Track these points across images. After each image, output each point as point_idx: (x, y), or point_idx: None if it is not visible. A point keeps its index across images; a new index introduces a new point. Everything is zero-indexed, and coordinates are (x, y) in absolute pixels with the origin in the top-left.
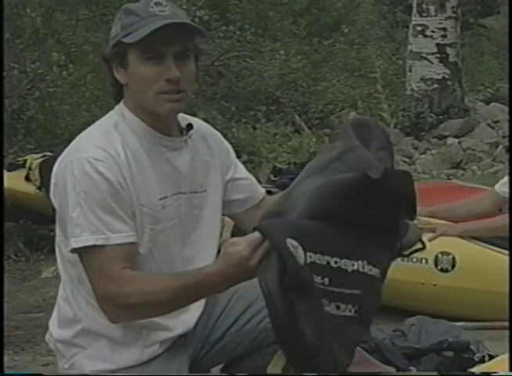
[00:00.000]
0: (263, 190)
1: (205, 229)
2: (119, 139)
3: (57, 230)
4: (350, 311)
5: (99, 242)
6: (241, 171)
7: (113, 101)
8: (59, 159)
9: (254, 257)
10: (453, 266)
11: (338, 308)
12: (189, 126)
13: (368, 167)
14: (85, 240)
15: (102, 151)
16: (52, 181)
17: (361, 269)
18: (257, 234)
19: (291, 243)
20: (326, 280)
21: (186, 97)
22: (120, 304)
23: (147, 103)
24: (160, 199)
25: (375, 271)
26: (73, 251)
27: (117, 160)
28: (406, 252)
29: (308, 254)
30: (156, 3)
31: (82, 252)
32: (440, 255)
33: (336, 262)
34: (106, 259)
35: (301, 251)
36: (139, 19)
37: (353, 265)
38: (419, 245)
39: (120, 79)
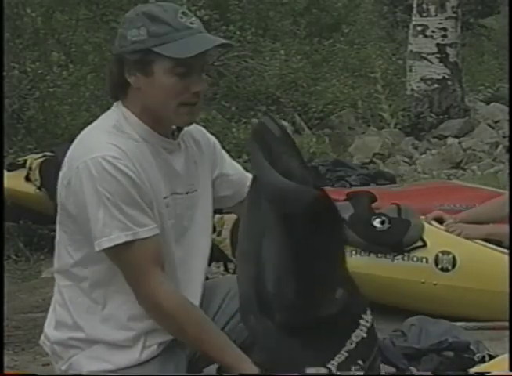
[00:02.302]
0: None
1: (198, 229)
2: (126, 137)
3: (63, 235)
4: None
5: (130, 238)
6: (229, 166)
7: (113, 101)
8: (67, 161)
9: None
10: (454, 266)
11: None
12: (179, 128)
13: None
14: (116, 238)
15: (116, 148)
16: (63, 182)
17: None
18: None
19: None
20: None
21: (200, 108)
22: (157, 313)
23: (166, 111)
24: (164, 198)
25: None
26: (105, 250)
27: (130, 157)
28: (407, 249)
29: None
30: (183, 13)
31: (113, 251)
32: (440, 254)
33: None
34: (141, 256)
35: None
36: (172, 29)
37: None
38: (420, 243)
39: (134, 83)
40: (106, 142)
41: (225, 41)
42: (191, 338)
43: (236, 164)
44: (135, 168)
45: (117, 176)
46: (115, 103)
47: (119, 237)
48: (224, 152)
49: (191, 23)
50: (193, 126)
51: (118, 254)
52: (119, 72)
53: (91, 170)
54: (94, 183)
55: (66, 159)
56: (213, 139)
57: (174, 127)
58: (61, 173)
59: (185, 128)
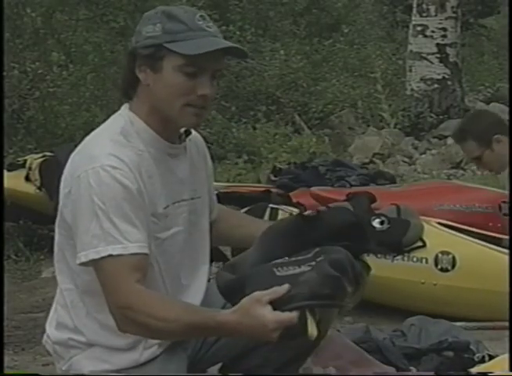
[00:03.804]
0: (215, 213)
1: (201, 235)
2: (129, 147)
3: (62, 239)
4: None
5: (116, 251)
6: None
7: (113, 101)
8: (68, 167)
9: (278, 332)
10: (453, 266)
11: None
12: (187, 131)
13: None
14: (103, 250)
15: (116, 159)
16: (64, 190)
17: None
18: (294, 318)
19: None
20: None
21: (207, 113)
22: (128, 317)
23: (171, 111)
24: (164, 208)
25: None
26: (90, 262)
27: (131, 168)
28: (407, 249)
29: None
30: (201, 16)
31: (98, 262)
32: (440, 255)
33: None
34: (122, 268)
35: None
36: (187, 28)
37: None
38: (419, 243)
39: (144, 79)
40: (108, 152)
41: (238, 46)
42: (167, 337)
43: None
44: (134, 180)
45: (114, 188)
46: (123, 107)
47: (105, 250)
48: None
49: (207, 27)
50: (194, 133)
51: (102, 265)
52: (131, 68)
53: (89, 180)
54: (90, 194)
55: (68, 164)
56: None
57: (182, 130)
58: (63, 178)
59: (193, 133)
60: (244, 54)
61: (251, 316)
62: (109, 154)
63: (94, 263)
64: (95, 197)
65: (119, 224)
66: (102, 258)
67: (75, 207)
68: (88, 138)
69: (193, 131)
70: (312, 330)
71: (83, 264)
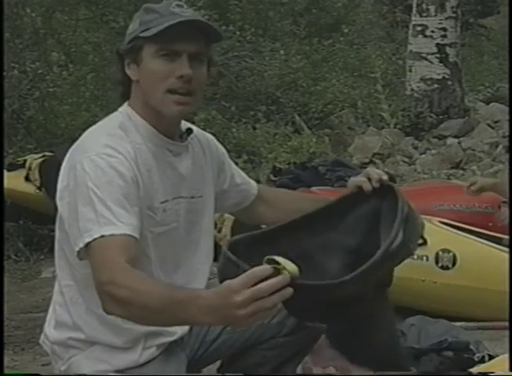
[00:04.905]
0: (255, 190)
1: (201, 234)
2: (126, 140)
3: (61, 233)
4: None
5: (108, 232)
6: (237, 175)
7: (113, 101)
8: (65, 162)
9: (243, 293)
10: (454, 264)
11: None
12: (189, 130)
13: None
14: (95, 232)
15: (112, 149)
16: (62, 184)
17: None
18: (263, 270)
19: None
20: None
21: (194, 101)
22: (112, 293)
23: (155, 100)
24: (162, 202)
25: None
26: (86, 246)
27: (127, 158)
28: None
29: None
30: (177, 4)
31: (91, 245)
32: (441, 253)
33: None
34: (111, 247)
35: None
36: (159, 16)
37: None
38: (420, 241)
39: (132, 75)
40: (104, 143)
41: (202, 20)
42: (147, 314)
43: (241, 172)
44: (131, 168)
45: (109, 174)
46: (123, 105)
47: (98, 231)
48: (230, 161)
49: (182, 12)
50: (201, 133)
51: (95, 247)
52: (121, 69)
53: (85, 168)
54: (85, 180)
55: (65, 160)
56: (222, 148)
57: (183, 129)
58: (61, 173)
59: (194, 132)
60: (218, 35)
61: (222, 285)
62: (105, 145)
63: (87, 248)
64: (90, 182)
65: (112, 207)
66: (95, 239)
67: (72, 197)
68: (85, 133)
69: (198, 130)
70: (290, 266)
71: (81, 251)
